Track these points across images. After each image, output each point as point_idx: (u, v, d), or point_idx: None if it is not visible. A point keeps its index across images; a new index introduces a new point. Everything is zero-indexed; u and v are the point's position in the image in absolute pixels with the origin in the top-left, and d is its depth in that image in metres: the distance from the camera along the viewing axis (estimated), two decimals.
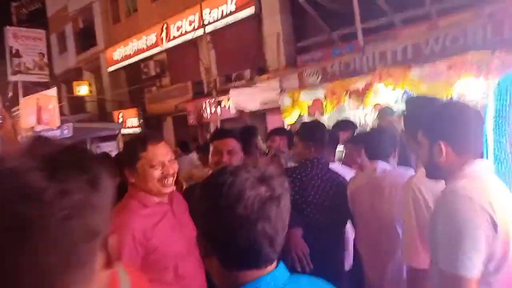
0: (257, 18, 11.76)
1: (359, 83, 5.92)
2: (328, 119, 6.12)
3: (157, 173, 1.89)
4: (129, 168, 1.92)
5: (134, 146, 1.94)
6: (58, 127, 13.34)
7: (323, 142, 2.86)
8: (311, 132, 2.90)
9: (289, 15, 10.62)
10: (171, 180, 1.94)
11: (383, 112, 5.63)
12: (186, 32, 13.41)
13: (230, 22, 12.06)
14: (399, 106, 5.62)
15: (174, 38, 13.85)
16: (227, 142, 2.55)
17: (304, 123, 3.38)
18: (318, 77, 8.33)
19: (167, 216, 1.96)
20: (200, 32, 12.92)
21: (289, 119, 7.11)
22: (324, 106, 6.39)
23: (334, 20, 8.17)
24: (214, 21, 12.34)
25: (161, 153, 1.92)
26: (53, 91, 13.73)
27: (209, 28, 12.53)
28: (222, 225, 0.92)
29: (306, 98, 6.72)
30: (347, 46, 8.11)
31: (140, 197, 1.92)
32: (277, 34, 10.71)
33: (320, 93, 6.53)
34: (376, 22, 7.15)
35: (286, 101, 7.04)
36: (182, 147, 8.11)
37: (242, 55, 11.98)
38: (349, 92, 6.02)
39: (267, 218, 0.91)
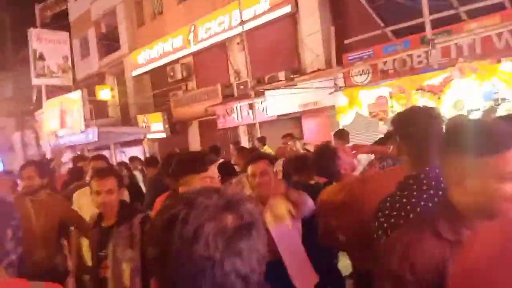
0: (292, 17, 11.24)
1: (433, 79, 5.27)
2: None
3: None
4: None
5: None
6: (82, 131, 12.92)
7: None
8: None
9: (328, 13, 10.07)
10: None
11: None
12: (216, 34, 12.91)
13: (264, 22, 11.51)
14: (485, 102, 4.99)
15: (203, 40, 13.37)
16: (259, 165, 2.60)
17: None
18: (368, 76, 7.70)
19: None
20: (231, 33, 12.48)
21: (345, 120, 6.45)
22: (389, 105, 5.73)
23: (385, 14, 7.56)
24: (247, 21, 11.78)
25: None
26: (76, 94, 13.33)
27: (241, 29, 12.04)
28: (180, 273, 0.74)
29: (365, 96, 6.07)
30: (402, 42, 7.48)
31: None
32: (316, 33, 10.16)
33: (383, 91, 5.89)
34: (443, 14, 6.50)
35: (342, 100, 6.40)
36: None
37: (276, 56, 11.42)
38: (421, 88, 5.37)
39: (237, 254, 0.75)
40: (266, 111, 10.44)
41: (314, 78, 8.81)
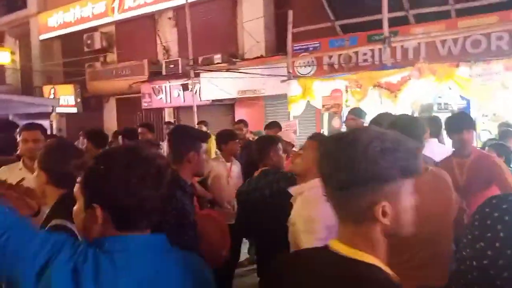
0: None
1: (392, 77, 5.30)
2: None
3: None
4: None
5: None
6: None
7: None
8: None
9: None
10: None
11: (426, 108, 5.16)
12: (146, 4, 11.85)
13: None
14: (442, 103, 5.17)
15: (130, 9, 12.19)
16: None
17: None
18: (312, 69, 7.63)
19: None
20: (163, 5, 11.55)
21: (296, 110, 6.26)
22: (344, 99, 5.67)
23: (337, 8, 7.53)
24: None
25: None
26: None
27: (174, 3, 11.22)
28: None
29: (319, 87, 5.93)
30: (350, 38, 7.53)
31: None
32: (258, 19, 9.84)
33: (338, 84, 5.80)
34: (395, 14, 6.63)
35: (295, 89, 6.19)
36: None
37: (212, 37, 10.83)
38: (379, 85, 5.37)
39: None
40: (199, 94, 9.85)
41: (257, 64, 8.49)
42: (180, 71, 10.99)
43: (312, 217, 1.89)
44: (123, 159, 1.09)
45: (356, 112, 5.07)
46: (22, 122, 11.56)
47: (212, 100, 10.03)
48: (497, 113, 5.80)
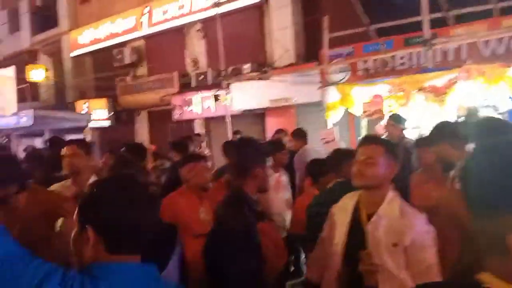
0: (260, 8, 10.76)
1: (436, 80, 5.10)
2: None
3: None
4: None
5: None
6: (14, 114, 11.27)
7: None
8: None
9: (301, 7, 9.75)
10: None
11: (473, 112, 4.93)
12: (174, 18, 12.00)
13: (228, 11, 10.88)
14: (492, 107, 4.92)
15: (158, 23, 12.36)
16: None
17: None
18: (346, 74, 7.47)
19: None
20: (190, 18, 11.67)
21: (334, 118, 6.12)
22: (387, 104, 5.48)
23: (372, 11, 7.38)
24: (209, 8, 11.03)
25: None
26: (9, 71, 11.60)
27: (202, 16, 11.32)
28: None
29: (359, 93, 5.78)
30: (385, 42, 7.35)
31: None
32: (287, 27, 9.79)
33: (379, 89, 5.63)
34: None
35: (332, 96, 6.05)
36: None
37: (240, 48, 10.84)
38: (423, 89, 5.18)
39: None
40: (231, 104, 9.83)
41: (288, 72, 8.43)
42: (209, 82, 11.05)
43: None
44: (115, 184, 1.18)
45: (395, 118, 4.92)
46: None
47: (243, 110, 9.98)
48: None
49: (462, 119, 4.82)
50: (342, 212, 2.01)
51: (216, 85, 10.50)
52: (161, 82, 12.31)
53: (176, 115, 11.73)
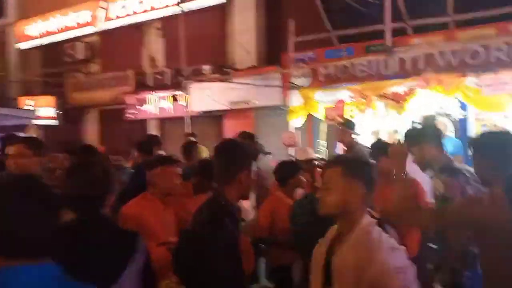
0: (222, 9, 10.61)
1: (398, 87, 5.22)
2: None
3: None
4: None
5: None
6: None
7: None
8: None
9: (265, 10, 9.73)
10: None
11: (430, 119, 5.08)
12: (134, 13, 11.55)
13: (189, 9, 10.64)
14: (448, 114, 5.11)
15: (117, 18, 11.85)
16: None
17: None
18: (308, 80, 7.51)
19: None
20: (151, 15, 11.29)
21: (296, 122, 6.10)
22: (349, 109, 5.54)
23: (337, 18, 7.48)
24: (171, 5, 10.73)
25: None
26: None
27: (163, 13, 10.99)
28: None
29: (322, 98, 5.79)
30: (347, 48, 7.46)
31: None
32: (250, 29, 9.72)
33: (342, 94, 5.68)
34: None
35: (295, 100, 6.03)
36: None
37: (200, 48, 10.62)
38: (384, 96, 5.28)
39: None
40: (189, 105, 9.58)
41: (250, 75, 8.34)
42: (167, 82, 10.75)
43: None
44: (7, 188, 1.16)
45: (346, 124, 4.88)
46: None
47: (202, 112, 9.78)
48: (498, 123, 5.80)
49: (419, 125, 4.95)
50: (321, 245, 1.78)
51: (175, 85, 10.23)
52: (116, 80, 11.82)
53: (129, 114, 11.28)
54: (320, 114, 5.87)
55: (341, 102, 5.60)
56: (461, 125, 5.86)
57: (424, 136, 2.73)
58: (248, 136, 4.84)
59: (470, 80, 4.83)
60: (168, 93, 10.25)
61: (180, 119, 10.07)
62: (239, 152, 1.96)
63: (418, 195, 2.57)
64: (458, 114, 5.59)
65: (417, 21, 6.80)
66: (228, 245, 1.75)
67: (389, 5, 5.64)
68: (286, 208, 3.18)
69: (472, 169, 2.20)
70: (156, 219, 2.48)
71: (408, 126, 4.92)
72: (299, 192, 3.42)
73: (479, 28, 6.24)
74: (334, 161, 1.80)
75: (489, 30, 6.06)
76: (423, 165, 2.66)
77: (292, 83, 6.37)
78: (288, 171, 3.31)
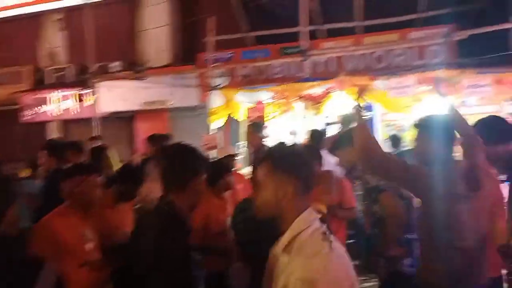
0: (131, 3, 10.04)
1: (315, 89, 5.38)
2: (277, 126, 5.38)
3: None
4: None
5: None
6: None
7: None
8: None
9: (179, 6, 9.42)
10: None
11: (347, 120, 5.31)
12: (27, 3, 10.41)
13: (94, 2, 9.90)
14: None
15: (8, 7, 10.59)
16: None
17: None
18: (225, 80, 7.46)
19: None
20: (49, 5, 10.28)
21: (217, 123, 5.99)
22: (270, 110, 5.58)
23: (254, 19, 7.51)
24: None
25: None
26: None
27: (62, 3, 10.07)
28: None
29: (243, 99, 5.76)
30: (263, 49, 7.55)
31: None
32: (163, 26, 9.34)
33: (262, 95, 5.71)
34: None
35: (214, 101, 5.92)
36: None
37: (108, 43, 9.95)
38: (302, 97, 5.41)
39: None
40: (96, 106, 8.91)
41: (165, 74, 8.02)
42: (69, 79, 9.89)
43: None
44: None
45: (255, 126, 4.83)
46: None
47: (111, 113, 9.16)
48: (402, 124, 6.33)
49: (336, 126, 5.15)
50: (275, 247, 1.56)
51: (79, 83, 9.43)
52: (8, 77, 10.54)
53: (26, 116, 10.15)
54: (241, 115, 5.82)
55: (260, 103, 5.62)
56: (370, 124, 6.31)
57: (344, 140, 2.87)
58: (162, 138, 4.58)
59: (378, 83, 5.16)
60: (72, 92, 9.43)
61: (86, 121, 9.31)
62: (192, 157, 1.79)
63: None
64: (370, 113, 5.96)
65: (329, 25, 7.13)
66: (179, 259, 1.58)
67: (305, 8, 5.80)
68: (218, 210, 3.08)
69: None
70: (73, 237, 2.18)
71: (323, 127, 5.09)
72: (228, 194, 3.33)
73: (384, 33, 6.76)
74: (263, 157, 1.58)
75: (393, 36, 6.59)
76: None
77: (209, 83, 6.21)
78: (216, 171, 3.18)
